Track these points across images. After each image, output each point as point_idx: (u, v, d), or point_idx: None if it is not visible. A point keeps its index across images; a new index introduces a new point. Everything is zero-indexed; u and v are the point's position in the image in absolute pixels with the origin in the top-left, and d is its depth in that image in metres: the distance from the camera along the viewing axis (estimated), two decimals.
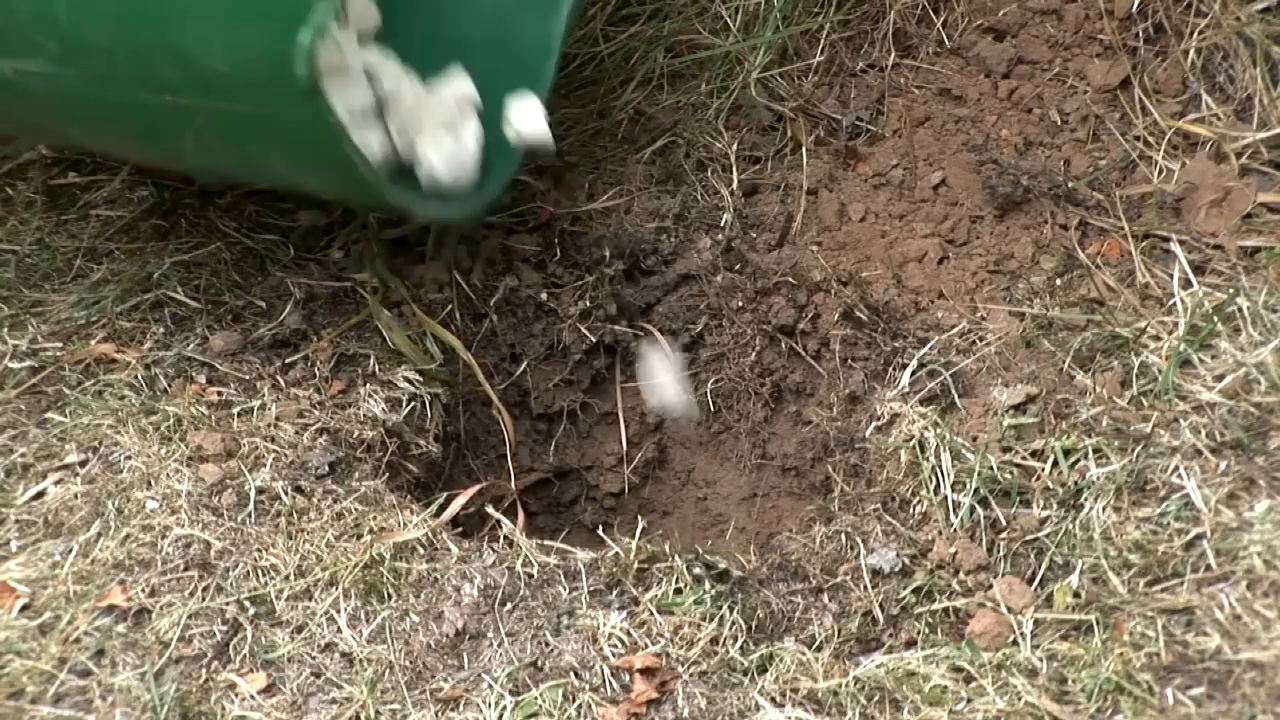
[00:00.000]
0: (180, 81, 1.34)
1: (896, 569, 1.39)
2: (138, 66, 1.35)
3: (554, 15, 1.74)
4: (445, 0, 1.81)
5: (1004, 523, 1.41)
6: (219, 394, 1.61)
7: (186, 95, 1.35)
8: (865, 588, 1.38)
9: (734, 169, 1.92)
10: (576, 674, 1.29)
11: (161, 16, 1.30)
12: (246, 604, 1.36)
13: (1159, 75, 1.86)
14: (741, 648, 1.31)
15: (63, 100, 1.47)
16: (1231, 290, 1.57)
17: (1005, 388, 1.55)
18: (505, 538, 1.46)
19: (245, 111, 1.33)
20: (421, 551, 1.42)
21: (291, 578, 1.38)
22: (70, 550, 1.41)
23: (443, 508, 1.52)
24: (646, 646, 1.31)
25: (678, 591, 1.36)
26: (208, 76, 1.30)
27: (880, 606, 1.36)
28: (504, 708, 1.25)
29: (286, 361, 1.67)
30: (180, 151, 1.55)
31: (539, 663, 1.30)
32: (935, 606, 1.35)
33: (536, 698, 1.26)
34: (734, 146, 1.94)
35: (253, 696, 1.27)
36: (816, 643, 1.33)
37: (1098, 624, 1.29)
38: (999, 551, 1.39)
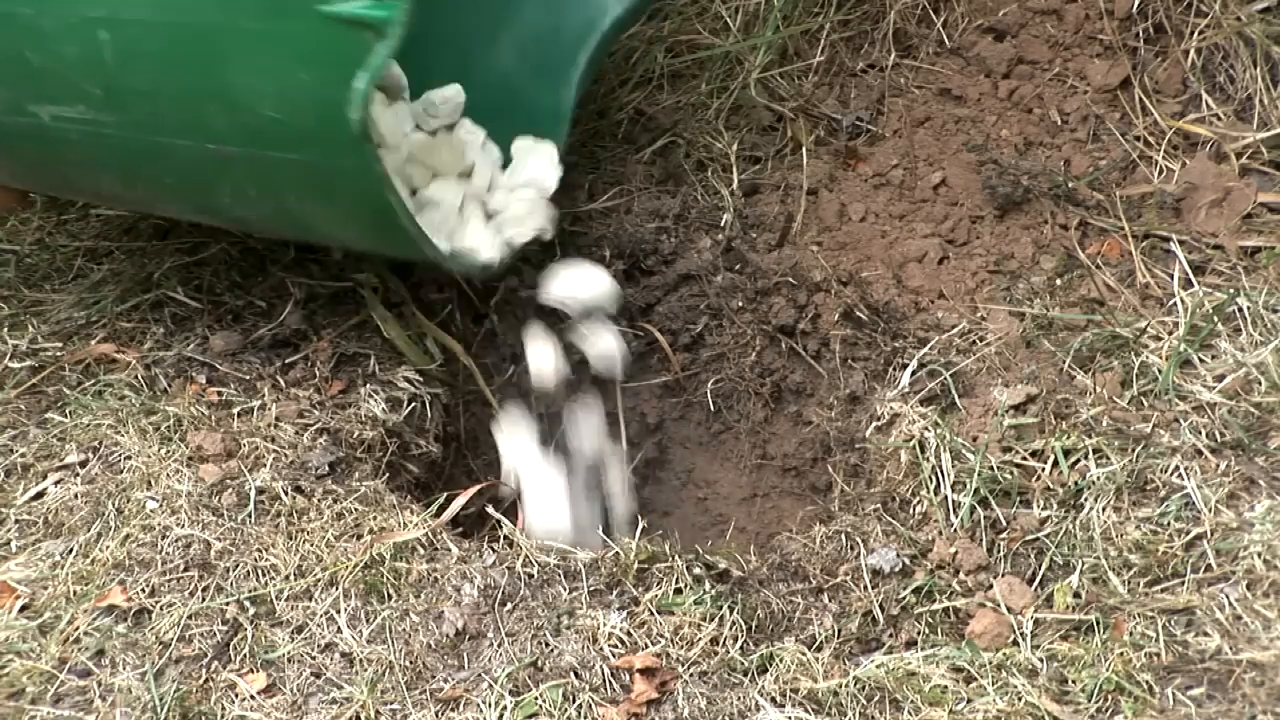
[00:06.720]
0: (225, 129, 1.31)
1: (896, 569, 1.39)
2: (182, 113, 1.33)
3: (564, 86, 1.76)
4: (462, 65, 1.82)
5: (1004, 523, 1.41)
6: (219, 394, 1.61)
7: (231, 143, 1.33)
8: (865, 588, 1.38)
9: (734, 169, 1.92)
10: (576, 674, 1.29)
11: (210, 62, 1.27)
12: (246, 604, 1.36)
13: (1159, 75, 1.86)
14: (741, 648, 1.31)
15: (100, 149, 1.43)
16: (1231, 290, 1.57)
17: (1005, 388, 1.55)
18: (505, 538, 1.46)
19: (290, 160, 1.31)
20: (421, 551, 1.42)
21: (291, 578, 1.38)
22: (70, 550, 1.41)
23: (443, 508, 1.52)
24: (646, 646, 1.31)
25: (678, 592, 1.36)
26: (255, 123, 1.28)
27: (880, 606, 1.36)
28: (504, 708, 1.25)
29: (286, 361, 1.67)
30: (216, 204, 1.52)
31: (539, 663, 1.30)
32: (935, 606, 1.35)
33: (536, 698, 1.26)
34: (734, 146, 1.94)
35: (253, 696, 1.27)
36: (816, 643, 1.33)
37: (1098, 624, 1.29)
38: (999, 551, 1.39)
